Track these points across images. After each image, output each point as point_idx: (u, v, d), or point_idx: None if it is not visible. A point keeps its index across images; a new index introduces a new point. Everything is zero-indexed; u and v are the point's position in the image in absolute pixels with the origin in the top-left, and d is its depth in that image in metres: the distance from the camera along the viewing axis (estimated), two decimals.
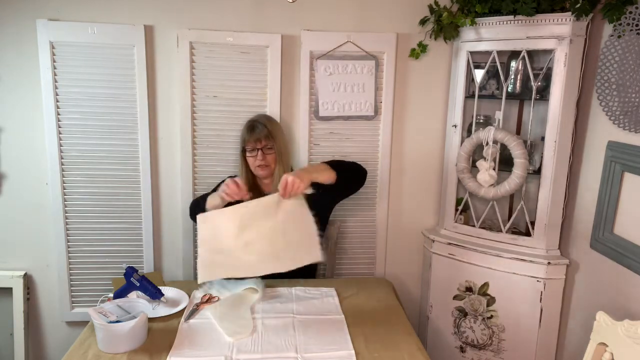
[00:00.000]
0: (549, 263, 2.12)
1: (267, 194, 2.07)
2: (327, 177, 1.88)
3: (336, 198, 2.18)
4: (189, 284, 2.04)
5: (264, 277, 1.90)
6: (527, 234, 2.25)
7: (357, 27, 2.32)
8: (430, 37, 2.32)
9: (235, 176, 2.13)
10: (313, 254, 1.74)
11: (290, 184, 1.70)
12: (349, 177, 2.04)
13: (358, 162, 2.14)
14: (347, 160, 2.14)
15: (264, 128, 2.07)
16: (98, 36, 2.17)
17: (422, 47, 2.34)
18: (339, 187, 1.94)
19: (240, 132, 2.15)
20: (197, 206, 1.98)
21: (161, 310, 1.73)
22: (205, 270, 1.68)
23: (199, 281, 1.68)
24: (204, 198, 1.96)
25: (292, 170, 2.13)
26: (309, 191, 1.76)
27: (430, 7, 2.27)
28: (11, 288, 2.34)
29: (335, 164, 1.95)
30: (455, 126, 2.32)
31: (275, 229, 1.72)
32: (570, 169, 2.15)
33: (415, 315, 2.61)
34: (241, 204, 1.78)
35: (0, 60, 2.17)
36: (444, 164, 2.45)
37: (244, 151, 2.09)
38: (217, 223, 1.72)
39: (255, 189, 2.09)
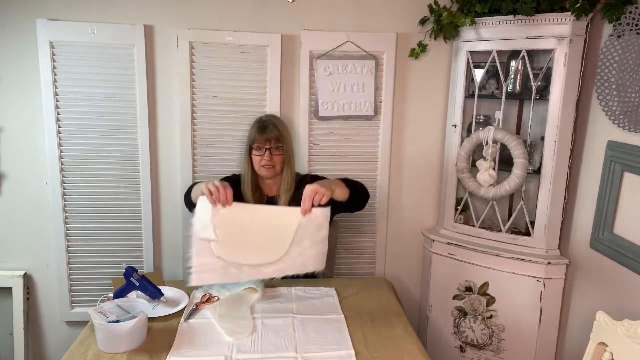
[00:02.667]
0: (549, 263, 2.12)
1: (268, 195, 2.09)
2: (342, 194, 1.84)
3: (336, 214, 2.13)
4: None
5: None
6: (527, 234, 2.24)
7: (357, 27, 2.32)
8: (430, 37, 2.32)
9: (237, 175, 2.13)
10: (318, 263, 1.74)
11: (313, 192, 1.67)
12: (358, 198, 1.97)
13: (364, 185, 2.04)
14: (356, 180, 2.03)
15: (276, 129, 2.04)
16: (98, 36, 2.17)
17: (422, 47, 2.34)
18: (345, 207, 1.91)
19: (249, 131, 2.10)
20: (190, 197, 1.96)
21: (161, 310, 1.73)
22: (198, 275, 1.67)
23: (192, 284, 1.67)
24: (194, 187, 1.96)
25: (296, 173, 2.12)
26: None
27: (430, 7, 2.27)
28: (11, 288, 2.34)
29: (348, 183, 1.90)
30: (455, 126, 2.32)
31: (290, 234, 1.70)
32: (570, 169, 2.15)
33: (415, 315, 2.61)
34: (257, 205, 1.84)
35: (0, 60, 2.18)
36: (444, 164, 2.45)
37: (250, 150, 2.05)
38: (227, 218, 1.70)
39: (257, 189, 2.08)
